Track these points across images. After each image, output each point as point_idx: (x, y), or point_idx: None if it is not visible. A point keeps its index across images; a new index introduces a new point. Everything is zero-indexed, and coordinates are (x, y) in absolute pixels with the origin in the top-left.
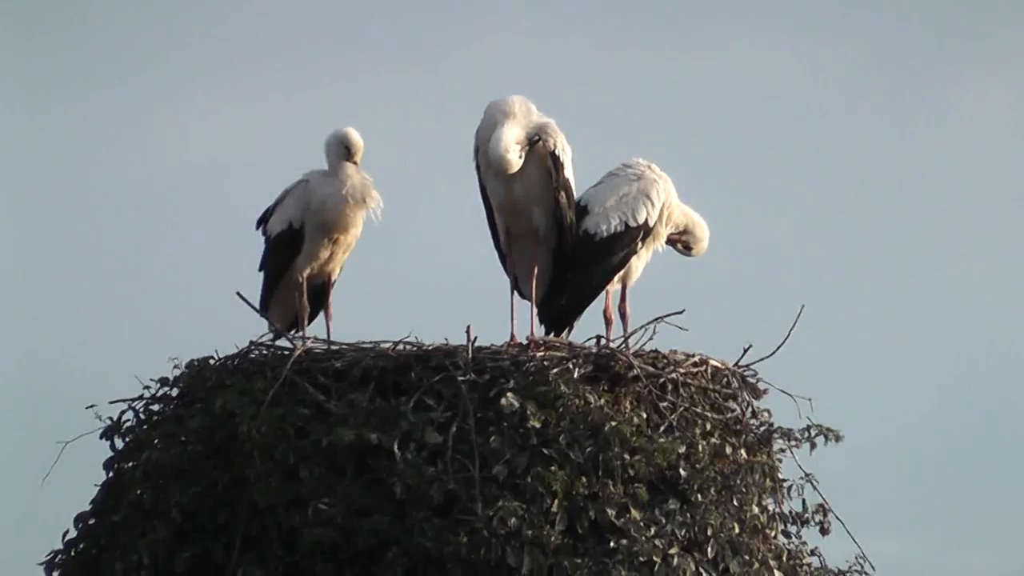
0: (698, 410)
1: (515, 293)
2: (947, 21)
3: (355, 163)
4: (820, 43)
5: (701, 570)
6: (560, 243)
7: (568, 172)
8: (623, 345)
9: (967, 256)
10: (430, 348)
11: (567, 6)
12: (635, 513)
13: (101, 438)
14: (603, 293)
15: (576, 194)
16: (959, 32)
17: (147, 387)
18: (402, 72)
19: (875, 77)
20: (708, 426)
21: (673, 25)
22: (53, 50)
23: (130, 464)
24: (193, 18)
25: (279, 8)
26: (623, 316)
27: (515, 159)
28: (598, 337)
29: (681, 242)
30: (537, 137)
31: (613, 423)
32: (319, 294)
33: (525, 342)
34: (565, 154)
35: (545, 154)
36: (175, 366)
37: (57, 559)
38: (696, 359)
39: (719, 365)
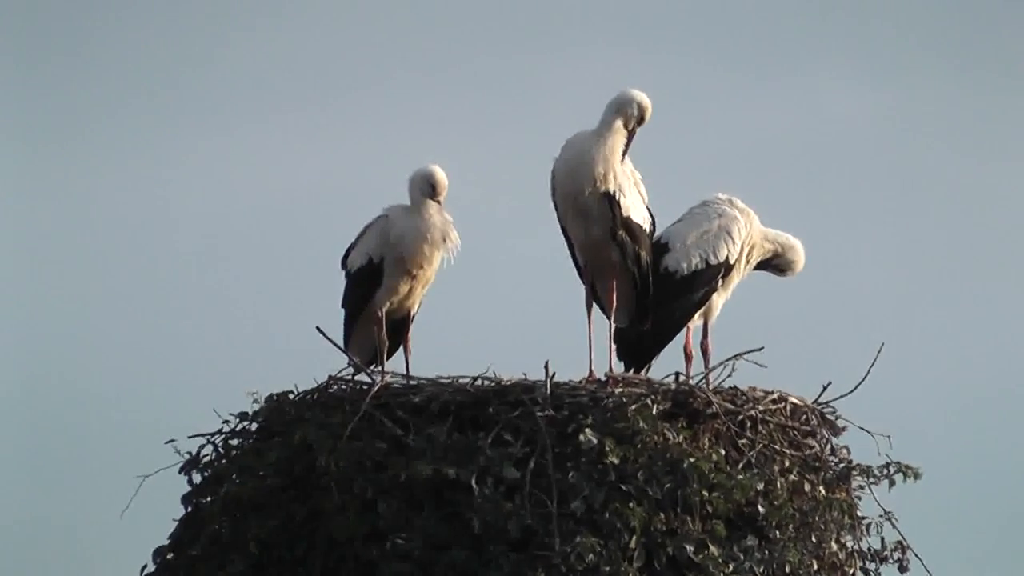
0: (777, 447)
1: (593, 330)
2: None
3: (438, 202)
4: (910, 80)
5: None
6: (640, 277)
7: (628, 211)
8: (702, 381)
9: None
10: (508, 383)
11: (651, 42)
12: (713, 549)
13: (180, 472)
14: (683, 329)
15: (658, 230)
16: None
17: (226, 421)
18: (485, 107)
19: (964, 115)
20: (787, 463)
21: (762, 59)
22: (137, 84)
23: (208, 498)
24: (275, 53)
25: (361, 45)
26: (705, 352)
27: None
28: (677, 373)
29: (773, 265)
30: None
31: (691, 459)
32: (399, 329)
33: (603, 378)
34: (622, 194)
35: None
36: (254, 400)
37: None
38: (775, 396)
39: (798, 402)
